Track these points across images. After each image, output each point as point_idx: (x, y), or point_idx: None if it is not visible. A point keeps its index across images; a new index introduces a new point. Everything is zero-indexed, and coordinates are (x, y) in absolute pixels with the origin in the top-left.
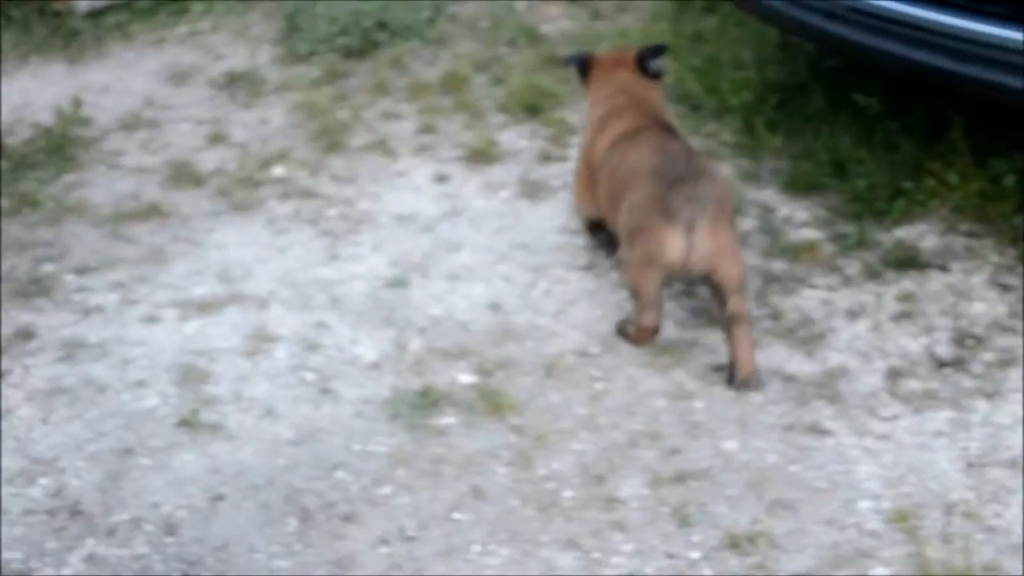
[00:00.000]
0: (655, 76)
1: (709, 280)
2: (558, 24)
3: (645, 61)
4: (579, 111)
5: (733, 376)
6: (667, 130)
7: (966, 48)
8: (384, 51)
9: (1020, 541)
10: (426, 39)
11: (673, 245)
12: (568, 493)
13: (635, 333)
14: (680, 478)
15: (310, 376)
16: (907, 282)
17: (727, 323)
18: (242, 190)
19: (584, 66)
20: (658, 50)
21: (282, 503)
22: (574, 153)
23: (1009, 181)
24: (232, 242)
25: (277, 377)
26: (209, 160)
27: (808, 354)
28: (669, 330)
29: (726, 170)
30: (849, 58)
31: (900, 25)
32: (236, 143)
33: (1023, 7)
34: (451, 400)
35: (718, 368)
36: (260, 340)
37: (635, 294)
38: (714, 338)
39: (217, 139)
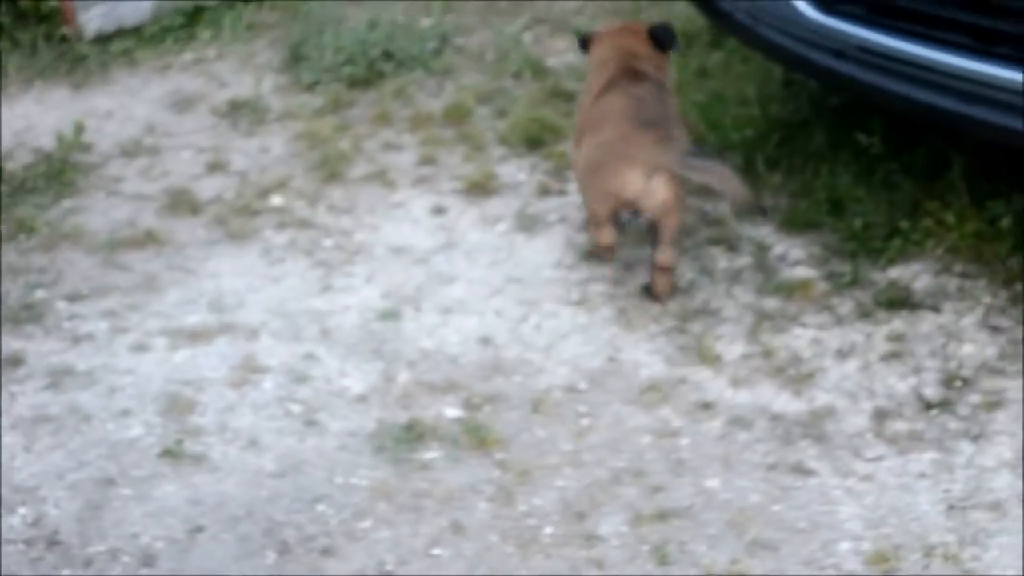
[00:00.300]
0: (665, 48)
1: (651, 224)
2: (564, 57)
3: (655, 32)
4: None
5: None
6: (646, 80)
7: (973, 89)
8: (389, 81)
9: None
10: (431, 70)
11: (631, 186)
12: (548, 530)
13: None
14: (661, 516)
15: (296, 408)
16: (898, 322)
17: (652, 269)
18: (239, 219)
19: (586, 42)
20: (667, 28)
21: (261, 536)
22: (573, 187)
23: (1005, 223)
24: (226, 271)
25: (263, 408)
26: (208, 188)
27: (796, 393)
28: (657, 367)
29: (723, 206)
30: (854, 97)
31: (909, 65)
32: (235, 171)
33: None
34: (436, 434)
35: (706, 406)
36: (248, 371)
37: (590, 217)
38: (703, 375)
39: (217, 167)
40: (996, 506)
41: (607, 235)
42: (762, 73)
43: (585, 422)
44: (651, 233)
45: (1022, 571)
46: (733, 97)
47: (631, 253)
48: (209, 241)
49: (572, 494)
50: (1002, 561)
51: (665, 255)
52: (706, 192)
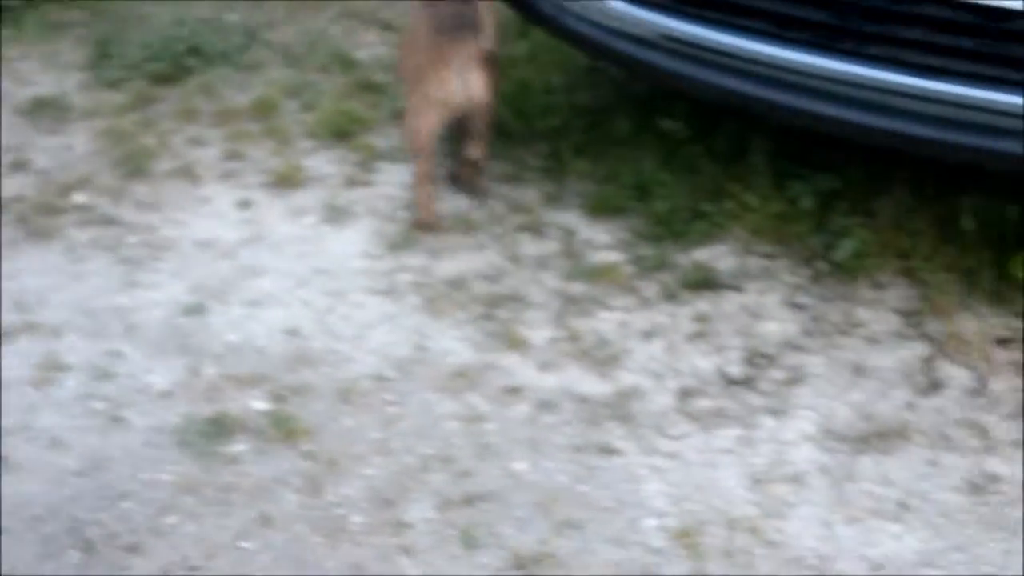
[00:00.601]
0: None
1: (466, 121)
2: (372, 50)
3: None
4: (388, 136)
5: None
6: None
7: (773, 74)
8: (195, 77)
9: (799, 555)
10: (238, 65)
11: (449, 86)
12: (357, 518)
13: (414, 186)
14: (469, 500)
15: (100, 405)
16: (702, 303)
17: (463, 164)
18: (41, 218)
19: None
20: None
21: (65, 535)
22: (380, 178)
23: (806, 203)
24: (28, 270)
25: (67, 407)
26: (9, 187)
27: (602, 375)
28: (465, 354)
29: (530, 194)
30: (657, 83)
31: (711, 52)
32: (38, 170)
33: (825, 33)
34: (243, 427)
35: (513, 390)
36: (51, 369)
37: (412, 142)
38: (510, 361)
39: (18, 166)
40: (798, 478)
41: (426, 161)
42: (568, 62)
43: (393, 410)
44: (461, 133)
45: (822, 540)
46: (539, 86)
47: (438, 241)
48: (11, 240)
49: (380, 482)
50: (804, 532)
51: (476, 150)
52: (514, 179)
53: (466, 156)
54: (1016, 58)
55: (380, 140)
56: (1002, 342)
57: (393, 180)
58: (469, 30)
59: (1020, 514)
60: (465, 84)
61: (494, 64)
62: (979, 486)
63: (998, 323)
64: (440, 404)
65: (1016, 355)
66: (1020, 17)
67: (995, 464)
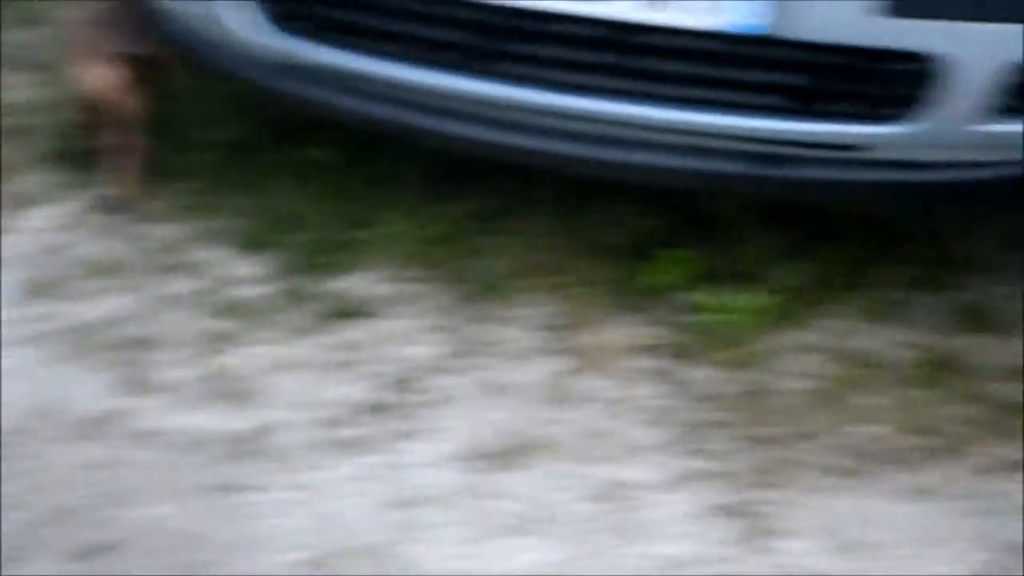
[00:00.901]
0: None
1: (114, 114)
2: (25, 92)
3: None
4: (35, 181)
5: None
6: None
7: (414, 99)
8: None
9: None
10: None
11: (89, 77)
12: None
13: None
14: (100, 550)
15: None
16: (349, 332)
17: (113, 185)
18: None
19: None
20: None
21: None
22: (26, 224)
23: (457, 225)
24: None
25: None
26: None
27: (243, 412)
28: (101, 401)
29: (179, 231)
30: (308, 114)
31: (352, 79)
32: None
33: (464, 55)
34: None
35: (150, 434)
36: None
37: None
38: (148, 404)
39: None
40: (441, 501)
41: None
42: (221, 94)
43: (23, 464)
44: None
45: (462, 559)
46: (193, 120)
47: (83, 285)
48: None
49: (6, 537)
50: (444, 553)
51: (122, 137)
52: (164, 217)
53: (117, 175)
54: (644, 71)
55: (28, 185)
56: (644, 349)
57: (39, 226)
58: (117, 29)
59: (650, 516)
60: (100, 81)
61: (149, 73)
62: (611, 494)
63: (640, 332)
64: (74, 453)
65: (656, 362)
66: (649, 31)
67: (628, 471)
